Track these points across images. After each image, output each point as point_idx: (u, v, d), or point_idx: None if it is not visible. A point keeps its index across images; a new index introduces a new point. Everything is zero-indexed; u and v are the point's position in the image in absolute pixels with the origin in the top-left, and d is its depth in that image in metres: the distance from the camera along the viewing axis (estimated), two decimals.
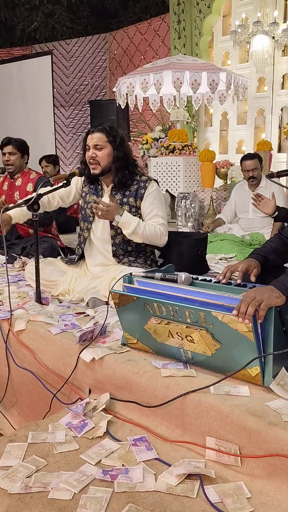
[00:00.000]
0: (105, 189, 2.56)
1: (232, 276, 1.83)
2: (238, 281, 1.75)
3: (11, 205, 2.53)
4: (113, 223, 2.41)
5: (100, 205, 2.34)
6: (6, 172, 3.69)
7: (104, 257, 2.55)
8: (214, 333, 1.52)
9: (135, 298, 1.69)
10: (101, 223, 2.53)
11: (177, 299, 1.61)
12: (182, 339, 1.62)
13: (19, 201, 2.51)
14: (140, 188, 2.49)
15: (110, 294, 1.77)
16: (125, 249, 2.51)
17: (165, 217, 2.54)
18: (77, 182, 2.66)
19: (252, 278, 1.80)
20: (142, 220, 2.51)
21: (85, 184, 2.64)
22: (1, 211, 2.25)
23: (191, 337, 1.59)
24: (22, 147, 3.63)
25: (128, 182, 2.49)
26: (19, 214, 2.62)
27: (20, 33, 10.83)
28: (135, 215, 2.47)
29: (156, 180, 2.58)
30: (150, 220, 2.49)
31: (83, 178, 2.63)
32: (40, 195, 2.32)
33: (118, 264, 2.51)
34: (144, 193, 2.48)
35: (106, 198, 2.53)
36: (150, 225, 2.47)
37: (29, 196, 2.38)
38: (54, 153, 5.68)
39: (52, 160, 5.37)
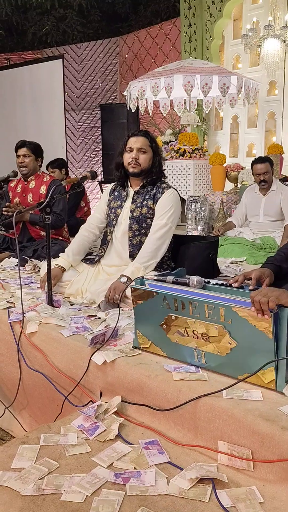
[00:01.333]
0: (130, 193, 2.64)
1: (245, 281, 1.83)
2: (251, 288, 1.75)
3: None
4: (128, 284, 2.31)
5: (113, 296, 2.32)
6: (20, 175, 3.73)
7: (121, 257, 2.63)
8: (232, 330, 1.53)
9: (155, 294, 1.70)
10: (122, 225, 2.60)
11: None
12: (198, 337, 1.62)
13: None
14: (158, 192, 2.58)
15: (129, 292, 1.78)
16: None
17: (173, 219, 2.55)
18: (105, 197, 2.74)
19: (264, 287, 1.79)
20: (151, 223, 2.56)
21: (111, 193, 2.73)
22: (15, 213, 2.26)
23: (207, 335, 1.59)
24: (36, 150, 3.67)
25: (150, 188, 2.58)
26: (71, 260, 2.67)
27: (32, 37, 10.90)
28: (151, 217, 2.57)
29: (175, 189, 2.64)
30: (156, 221, 2.53)
31: (109, 189, 2.73)
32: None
33: None
34: (160, 197, 2.56)
35: (128, 202, 2.61)
36: (146, 246, 2.49)
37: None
38: (61, 157, 5.62)
39: (57, 164, 5.26)
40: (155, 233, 2.51)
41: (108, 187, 2.77)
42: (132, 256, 2.57)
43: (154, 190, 2.58)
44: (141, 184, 2.60)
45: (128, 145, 2.55)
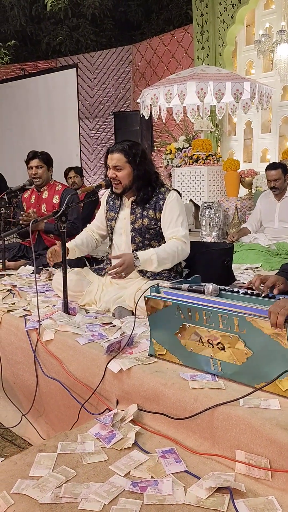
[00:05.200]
0: (125, 203, 2.58)
1: (259, 287, 1.82)
2: (264, 295, 1.74)
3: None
4: (137, 269, 2.36)
5: (115, 270, 2.30)
6: (34, 185, 3.77)
7: None
8: (246, 340, 1.53)
9: (168, 303, 1.71)
10: (123, 239, 2.56)
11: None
12: (213, 346, 1.62)
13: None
14: (159, 199, 2.48)
15: (143, 300, 1.78)
16: None
17: (186, 224, 2.51)
18: (103, 205, 2.70)
19: (275, 291, 1.78)
20: (162, 232, 2.50)
21: (107, 202, 2.67)
22: (31, 223, 2.29)
23: (223, 344, 1.59)
24: (47, 160, 3.71)
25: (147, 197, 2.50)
26: (73, 245, 2.65)
27: (46, 46, 11.07)
28: (154, 228, 2.49)
29: (176, 190, 2.56)
30: (169, 230, 2.47)
31: (105, 198, 2.68)
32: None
33: (142, 277, 2.52)
34: (163, 204, 2.47)
35: (126, 211, 2.55)
36: (167, 245, 2.43)
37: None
38: (79, 165, 5.79)
39: (79, 171, 5.52)
40: (180, 239, 2.42)
41: (104, 195, 2.71)
42: (140, 270, 2.48)
43: (155, 198, 2.48)
44: (134, 198, 2.51)
45: (107, 162, 2.48)
